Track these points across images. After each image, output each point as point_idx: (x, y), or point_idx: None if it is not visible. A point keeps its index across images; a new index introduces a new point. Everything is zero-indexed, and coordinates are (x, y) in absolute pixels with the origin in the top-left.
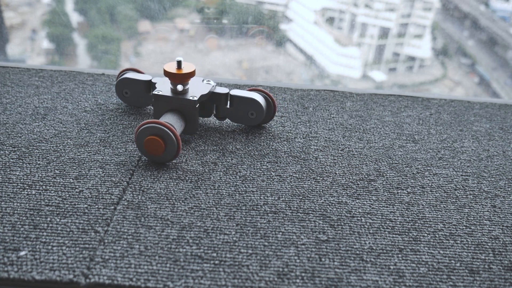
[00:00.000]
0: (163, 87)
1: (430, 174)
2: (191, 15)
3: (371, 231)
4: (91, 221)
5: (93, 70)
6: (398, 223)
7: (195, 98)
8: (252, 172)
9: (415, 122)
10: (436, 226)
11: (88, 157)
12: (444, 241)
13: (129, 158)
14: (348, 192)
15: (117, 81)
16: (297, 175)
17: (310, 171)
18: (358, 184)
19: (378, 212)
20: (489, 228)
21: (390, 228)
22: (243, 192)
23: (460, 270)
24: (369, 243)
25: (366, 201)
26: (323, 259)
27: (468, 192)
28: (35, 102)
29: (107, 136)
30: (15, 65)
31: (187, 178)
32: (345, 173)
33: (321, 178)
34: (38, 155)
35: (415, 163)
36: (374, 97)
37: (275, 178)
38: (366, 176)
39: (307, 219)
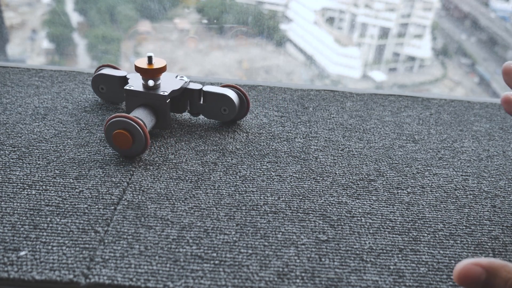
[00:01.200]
0: (135, 83)
1: (430, 174)
2: (191, 15)
3: (371, 231)
4: (91, 221)
5: (93, 70)
6: (398, 223)
7: (166, 93)
8: (252, 172)
9: (415, 122)
10: (436, 226)
11: (88, 157)
12: (444, 241)
13: (129, 158)
14: (348, 192)
15: (93, 77)
16: (297, 175)
17: (310, 171)
18: (358, 184)
19: (378, 212)
20: (489, 228)
21: (390, 228)
22: (243, 192)
23: None
24: (369, 243)
25: (366, 201)
26: (323, 259)
27: (468, 192)
28: (35, 102)
29: None
30: (15, 65)
31: (187, 178)
32: (345, 173)
33: (321, 178)
34: (38, 155)
35: (415, 163)
36: (374, 97)
37: (275, 178)
38: (366, 176)
39: (307, 219)
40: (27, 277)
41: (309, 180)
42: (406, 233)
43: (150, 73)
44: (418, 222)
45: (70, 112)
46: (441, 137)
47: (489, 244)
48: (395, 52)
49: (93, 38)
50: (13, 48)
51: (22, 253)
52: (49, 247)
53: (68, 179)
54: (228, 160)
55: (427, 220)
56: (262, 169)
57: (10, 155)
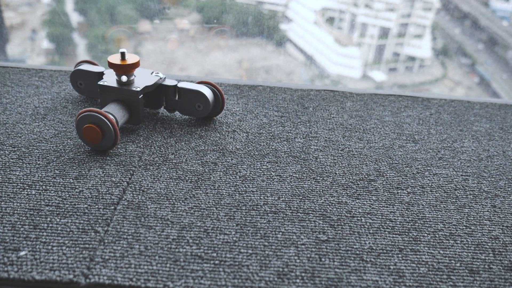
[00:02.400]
0: (110, 78)
1: (430, 174)
2: (191, 15)
3: (371, 231)
4: (91, 221)
5: None
6: (398, 223)
7: (138, 89)
8: (252, 172)
9: (415, 122)
10: (436, 226)
11: (88, 157)
12: (444, 241)
13: (129, 158)
14: (348, 192)
15: (71, 73)
16: (297, 175)
17: (310, 171)
18: (358, 184)
19: (378, 212)
20: (489, 228)
21: (390, 228)
22: (243, 192)
23: (460, 270)
24: (369, 243)
25: (366, 201)
26: (323, 259)
27: (468, 192)
28: (35, 102)
29: None
30: (15, 65)
31: (187, 178)
32: (345, 173)
33: (321, 178)
34: (38, 155)
35: (415, 163)
36: (374, 97)
37: (275, 178)
38: (366, 176)
39: (307, 219)
40: (27, 277)
41: (309, 180)
42: (406, 233)
43: (123, 68)
44: (418, 222)
45: (70, 112)
46: (441, 137)
47: (489, 244)
48: (395, 52)
49: (93, 38)
50: (13, 48)
51: (22, 253)
52: (49, 247)
53: (68, 179)
54: (228, 160)
55: (427, 220)
56: (262, 169)
57: (10, 155)
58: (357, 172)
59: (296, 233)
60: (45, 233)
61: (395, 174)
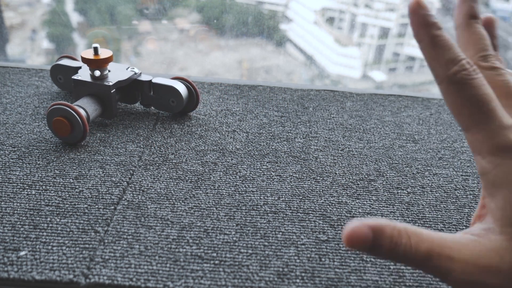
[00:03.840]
0: (84, 73)
1: (430, 174)
2: (191, 15)
3: None
4: (91, 221)
5: None
6: None
7: (111, 84)
8: (252, 172)
9: (415, 122)
10: (436, 226)
11: (88, 157)
12: None
13: (129, 158)
14: (348, 192)
15: (51, 67)
16: (297, 175)
17: (310, 171)
18: (358, 184)
19: (378, 212)
20: None
21: None
22: (243, 192)
23: None
24: None
25: (366, 201)
26: (323, 259)
27: (468, 192)
28: (35, 102)
29: (107, 136)
30: (15, 65)
31: (187, 178)
32: (345, 173)
33: (321, 178)
34: (38, 155)
35: (415, 163)
36: (374, 97)
37: (275, 178)
38: (366, 176)
39: (307, 219)
40: (27, 277)
41: (309, 180)
42: None
43: (96, 63)
44: (418, 222)
45: None
46: (441, 137)
47: None
48: (395, 52)
49: (93, 38)
50: (13, 48)
51: (22, 253)
52: (49, 247)
53: (68, 179)
54: (228, 160)
55: (427, 220)
56: (262, 169)
57: (10, 155)
58: (357, 172)
59: (296, 233)
60: (45, 233)
61: (395, 174)
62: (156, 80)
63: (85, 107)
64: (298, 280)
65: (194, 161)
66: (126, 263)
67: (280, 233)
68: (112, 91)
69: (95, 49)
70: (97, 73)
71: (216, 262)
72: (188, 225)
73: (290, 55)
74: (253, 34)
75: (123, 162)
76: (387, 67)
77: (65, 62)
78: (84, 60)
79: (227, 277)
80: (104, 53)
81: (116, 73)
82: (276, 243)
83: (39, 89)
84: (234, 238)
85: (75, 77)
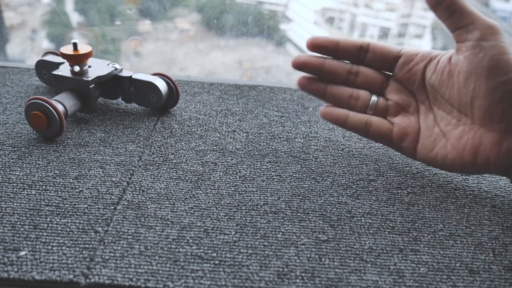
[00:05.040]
0: (65, 69)
1: (430, 174)
2: (191, 15)
3: (371, 231)
4: (91, 221)
5: None
6: (398, 223)
7: (89, 79)
8: (252, 172)
9: None
10: (436, 226)
11: (88, 157)
12: (444, 241)
13: (129, 158)
14: (348, 192)
15: (36, 63)
16: (297, 175)
17: (310, 171)
18: (358, 184)
19: (378, 212)
20: (489, 228)
21: (390, 228)
22: (243, 192)
23: (460, 270)
24: (369, 243)
25: (366, 201)
26: (323, 259)
27: (468, 192)
28: None
29: (107, 136)
30: (15, 65)
31: (187, 178)
32: (345, 173)
33: (321, 178)
34: (38, 155)
35: (415, 163)
36: None
37: (275, 178)
38: (366, 176)
39: (307, 219)
40: (27, 277)
41: (309, 180)
42: (406, 233)
43: (75, 59)
44: (418, 222)
45: None
46: None
47: (489, 244)
48: None
49: (93, 38)
50: (13, 48)
51: (22, 253)
52: (49, 247)
53: (68, 179)
54: (228, 160)
55: (427, 220)
56: (262, 169)
57: (10, 155)
58: (357, 172)
59: (296, 233)
60: (45, 233)
61: (395, 174)
62: (136, 76)
63: (63, 102)
64: (298, 280)
65: (194, 161)
66: (126, 263)
67: (280, 233)
68: (91, 86)
69: (74, 45)
70: (77, 68)
71: (216, 262)
72: (188, 225)
73: (290, 55)
74: (253, 34)
75: (123, 162)
76: None
77: (49, 58)
78: (64, 55)
79: (227, 277)
80: (83, 48)
81: (96, 69)
82: (276, 243)
83: (39, 89)
84: (234, 238)
85: (55, 72)
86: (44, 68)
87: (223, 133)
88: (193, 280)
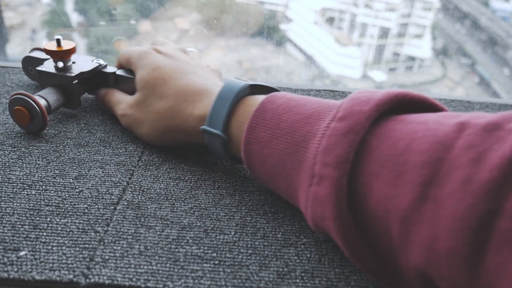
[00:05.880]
0: (49, 65)
1: None
2: (191, 15)
3: None
4: (91, 221)
5: None
6: None
7: (73, 75)
8: None
9: None
10: None
11: (88, 157)
12: None
13: (129, 158)
14: None
15: (22, 59)
16: None
17: None
18: None
19: None
20: None
21: None
22: (243, 192)
23: None
24: None
25: None
26: (323, 259)
27: None
28: None
29: (107, 136)
30: (15, 65)
31: (187, 178)
32: None
33: None
34: (38, 155)
35: None
36: None
37: None
38: None
39: None
40: (27, 277)
41: None
42: None
43: (58, 54)
44: None
45: (70, 112)
46: None
47: None
48: (395, 52)
49: (93, 38)
50: (13, 48)
51: (22, 253)
52: (49, 247)
53: (68, 179)
54: None
55: None
56: None
57: (10, 155)
58: None
59: (296, 233)
60: (45, 233)
61: None
62: (120, 72)
63: (46, 97)
64: (298, 280)
65: (194, 161)
66: (126, 263)
67: (280, 233)
68: (74, 82)
69: (58, 41)
70: (60, 64)
71: (216, 262)
72: (188, 225)
73: (290, 55)
74: (253, 34)
75: (123, 162)
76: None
77: (35, 54)
78: (47, 52)
79: (227, 277)
80: (67, 44)
81: (81, 65)
82: (276, 243)
83: (39, 89)
84: (234, 238)
85: (39, 68)
86: (30, 64)
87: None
88: (193, 280)
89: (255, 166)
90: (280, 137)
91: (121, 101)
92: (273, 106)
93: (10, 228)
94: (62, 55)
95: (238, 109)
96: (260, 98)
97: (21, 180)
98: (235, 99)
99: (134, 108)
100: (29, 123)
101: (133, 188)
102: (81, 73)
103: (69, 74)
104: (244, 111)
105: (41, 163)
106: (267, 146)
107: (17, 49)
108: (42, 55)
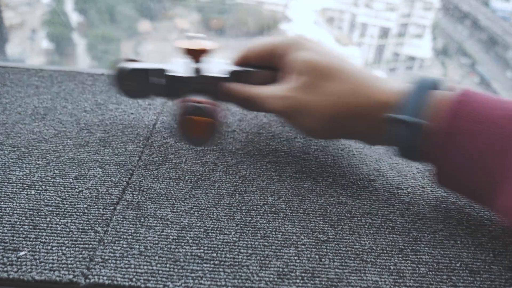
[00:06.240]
0: (180, 69)
1: (431, 174)
2: (191, 15)
3: (371, 231)
4: (91, 221)
5: (93, 70)
6: (398, 223)
7: (226, 75)
8: (252, 172)
9: None
10: (436, 226)
11: (88, 157)
12: (444, 241)
13: (129, 158)
14: (348, 192)
15: (117, 73)
16: (297, 175)
17: (310, 171)
18: (358, 184)
19: (378, 212)
20: (489, 228)
21: (390, 228)
22: (243, 192)
23: (460, 271)
24: (369, 243)
25: (366, 201)
26: (323, 259)
27: None
28: (34, 102)
29: (107, 136)
30: (15, 65)
31: (187, 178)
32: (345, 173)
33: (321, 178)
34: (37, 155)
35: (415, 163)
36: None
37: (275, 178)
38: (366, 176)
39: (307, 219)
40: (26, 277)
41: (309, 180)
42: (406, 233)
43: (199, 53)
44: (418, 222)
45: (69, 112)
46: None
47: (489, 244)
48: (395, 52)
49: (93, 38)
50: (13, 48)
51: (22, 253)
52: (49, 247)
53: (67, 179)
54: (228, 160)
55: (427, 220)
56: (262, 169)
57: (10, 155)
58: (357, 172)
59: (296, 233)
60: (44, 233)
61: (395, 174)
62: (242, 68)
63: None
64: (298, 280)
65: (194, 161)
66: (126, 263)
67: (280, 233)
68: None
69: (195, 39)
70: (200, 65)
71: (216, 262)
72: (188, 225)
73: None
74: (253, 34)
75: (123, 162)
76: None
77: (134, 65)
78: (190, 51)
79: (227, 277)
80: (203, 43)
81: (212, 65)
82: (276, 243)
83: (39, 89)
84: (234, 238)
85: (172, 73)
86: (129, 78)
87: (223, 133)
88: (193, 280)
89: (453, 158)
90: (488, 130)
91: (266, 88)
92: (476, 98)
93: (9, 228)
94: (203, 54)
95: (435, 99)
96: (452, 91)
97: (21, 180)
98: (431, 88)
99: (298, 91)
100: (209, 135)
101: (133, 188)
102: (235, 72)
103: (217, 75)
104: (442, 100)
105: (40, 163)
106: (472, 138)
107: (17, 49)
108: (143, 64)
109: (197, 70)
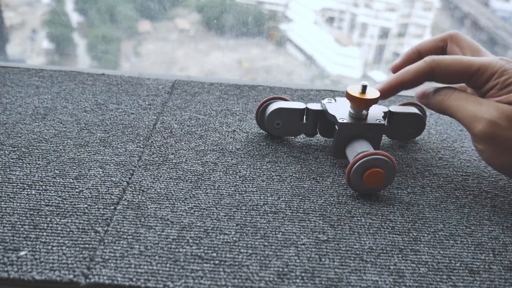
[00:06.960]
0: (344, 114)
1: (430, 174)
2: (191, 15)
3: (371, 231)
4: (91, 221)
5: (93, 70)
6: (398, 223)
7: (382, 122)
8: (252, 172)
9: None
10: (436, 226)
11: (88, 157)
12: (444, 241)
13: (129, 158)
14: (348, 192)
15: (270, 113)
16: (297, 175)
17: (310, 171)
18: None
19: (378, 212)
20: (489, 228)
21: (390, 228)
22: (243, 192)
23: (460, 270)
24: (369, 243)
25: (366, 201)
26: (323, 259)
27: (468, 192)
28: (35, 102)
29: (107, 136)
30: (15, 65)
31: (187, 178)
32: (345, 173)
33: (321, 178)
34: (38, 155)
35: (415, 163)
36: None
37: (275, 178)
38: None
39: (307, 219)
40: (27, 277)
41: (309, 180)
42: (406, 233)
43: (367, 103)
44: (418, 222)
45: (70, 112)
46: (441, 137)
47: (489, 244)
48: (395, 52)
49: (93, 38)
50: (13, 48)
51: (22, 253)
52: (49, 247)
53: (68, 179)
54: (228, 160)
55: (427, 220)
56: (262, 169)
57: (10, 155)
58: None
59: (296, 233)
60: (45, 233)
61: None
62: (393, 109)
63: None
64: (298, 280)
65: (194, 161)
66: (126, 263)
67: (280, 233)
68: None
69: (364, 88)
70: (365, 112)
71: (216, 262)
72: (188, 225)
73: (290, 55)
74: (253, 34)
75: (123, 162)
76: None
77: (284, 104)
78: (363, 101)
79: (227, 277)
80: (372, 92)
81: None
82: (276, 243)
83: (39, 89)
84: (234, 238)
85: (343, 121)
86: (278, 117)
87: (223, 133)
88: (193, 280)
89: None
90: None
91: (473, 106)
92: None
93: (10, 228)
94: (369, 103)
95: None
96: None
97: (21, 180)
98: None
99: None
100: (384, 183)
101: (133, 188)
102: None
103: (378, 122)
104: None
105: (41, 163)
106: None
107: (17, 49)
108: (290, 104)
109: (361, 117)
